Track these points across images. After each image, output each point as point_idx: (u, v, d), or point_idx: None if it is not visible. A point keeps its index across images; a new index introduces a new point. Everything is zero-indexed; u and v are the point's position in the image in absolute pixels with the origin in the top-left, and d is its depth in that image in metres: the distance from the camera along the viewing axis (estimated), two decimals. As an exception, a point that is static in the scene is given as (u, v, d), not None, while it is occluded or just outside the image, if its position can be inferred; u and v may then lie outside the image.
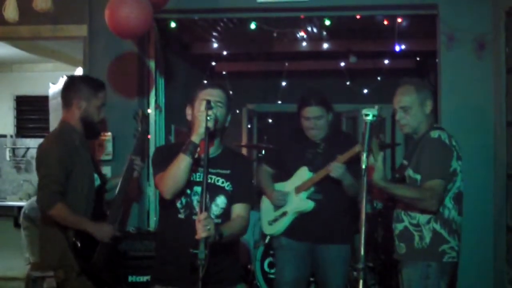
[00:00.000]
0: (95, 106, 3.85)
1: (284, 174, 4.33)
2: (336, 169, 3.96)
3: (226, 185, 3.11)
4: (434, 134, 3.46)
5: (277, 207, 4.31)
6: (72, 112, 3.82)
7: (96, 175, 3.92)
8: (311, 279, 4.55)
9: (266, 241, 5.45)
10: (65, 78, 4.14)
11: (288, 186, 4.27)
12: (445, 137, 3.45)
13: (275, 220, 4.32)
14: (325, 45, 7.36)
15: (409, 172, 3.49)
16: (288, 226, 4.24)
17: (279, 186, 4.33)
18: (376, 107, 2.65)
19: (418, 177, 3.42)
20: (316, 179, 4.12)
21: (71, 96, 3.84)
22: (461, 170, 3.46)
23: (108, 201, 4.02)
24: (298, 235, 4.21)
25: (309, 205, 4.15)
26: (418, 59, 7.95)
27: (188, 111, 3.13)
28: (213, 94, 3.04)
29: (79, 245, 3.67)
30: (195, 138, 2.88)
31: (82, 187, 3.76)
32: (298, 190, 4.20)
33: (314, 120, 4.13)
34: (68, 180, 3.67)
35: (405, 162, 3.62)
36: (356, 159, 4.01)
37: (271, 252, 5.32)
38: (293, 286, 4.24)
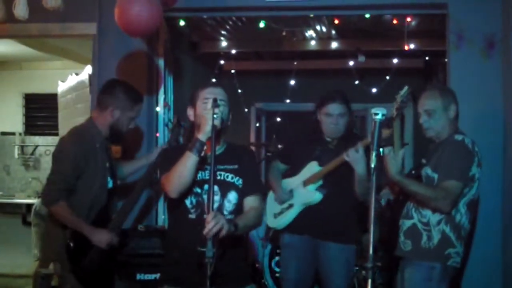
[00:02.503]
0: (128, 117, 3.86)
1: (294, 169, 4.33)
2: (353, 152, 3.87)
3: (236, 180, 3.10)
4: (458, 137, 3.46)
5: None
6: (104, 117, 3.81)
7: (109, 179, 3.91)
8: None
9: (270, 235, 5.44)
10: (107, 80, 4.07)
11: (296, 180, 4.26)
12: (469, 142, 3.45)
13: (281, 213, 4.30)
14: (334, 44, 7.34)
15: (427, 170, 3.49)
16: (293, 220, 4.22)
17: (287, 181, 4.32)
18: (406, 87, 2.67)
19: (436, 176, 3.42)
20: (326, 170, 4.08)
21: (107, 102, 3.83)
22: (479, 178, 3.45)
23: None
24: (301, 228, 4.18)
25: (317, 196, 4.13)
26: (427, 58, 7.91)
27: (190, 111, 3.13)
28: (215, 93, 3.04)
29: (72, 246, 3.67)
30: (202, 136, 2.87)
31: (91, 187, 3.76)
32: (306, 183, 4.19)
33: (337, 117, 4.09)
34: (79, 180, 3.67)
35: (424, 161, 3.62)
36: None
37: (278, 251, 5.31)
38: (297, 283, 4.24)
